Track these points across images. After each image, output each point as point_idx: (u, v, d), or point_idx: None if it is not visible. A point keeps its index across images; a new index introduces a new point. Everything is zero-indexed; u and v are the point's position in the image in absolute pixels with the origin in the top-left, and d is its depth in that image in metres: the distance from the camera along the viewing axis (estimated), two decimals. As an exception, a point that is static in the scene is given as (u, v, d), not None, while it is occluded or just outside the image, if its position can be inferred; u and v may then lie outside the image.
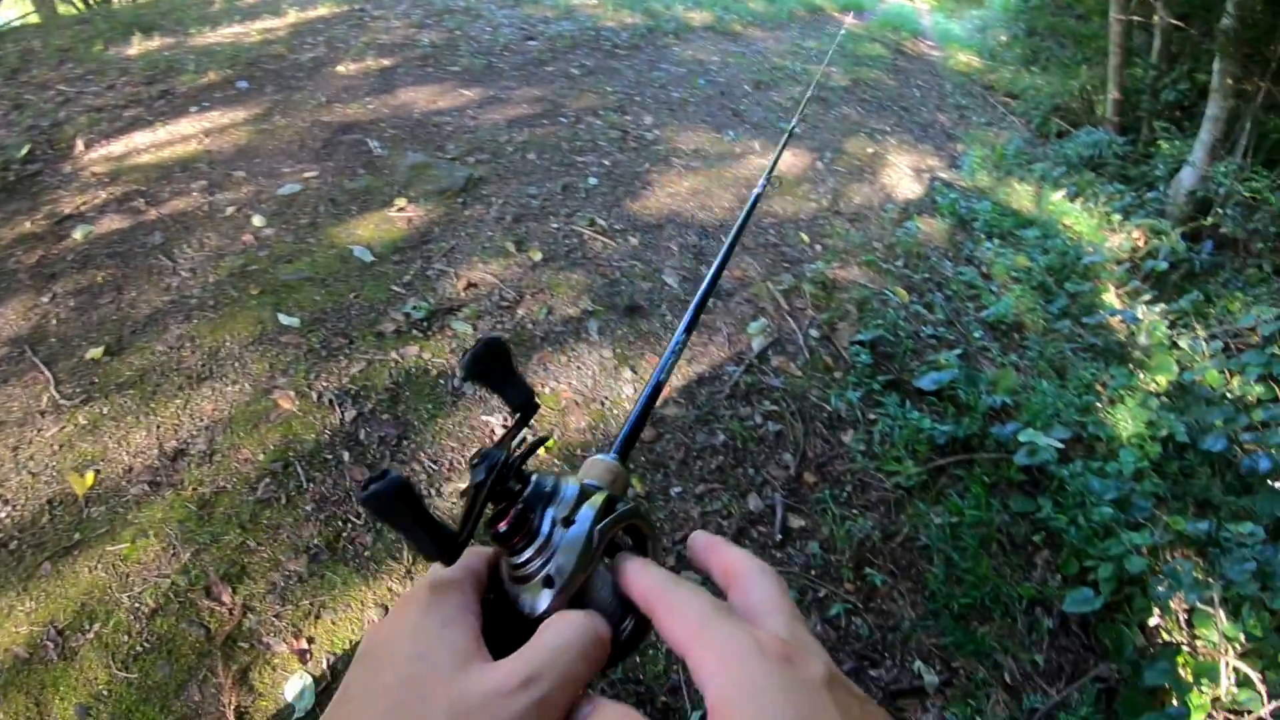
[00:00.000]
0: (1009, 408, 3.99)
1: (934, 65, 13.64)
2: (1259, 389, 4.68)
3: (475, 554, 0.58)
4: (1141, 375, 4.81)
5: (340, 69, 6.53)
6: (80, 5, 11.73)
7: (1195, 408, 4.47)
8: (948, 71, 13.34)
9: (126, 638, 2.47)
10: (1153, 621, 3.15)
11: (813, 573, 2.97)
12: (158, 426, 3.17)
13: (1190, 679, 2.83)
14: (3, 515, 2.87)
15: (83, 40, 7.15)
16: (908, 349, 4.29)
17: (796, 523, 3.16)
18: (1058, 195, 7.60)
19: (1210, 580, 3.18)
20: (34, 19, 10.95)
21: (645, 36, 9.20)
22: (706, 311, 4.16)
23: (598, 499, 0.58)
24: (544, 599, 0.54)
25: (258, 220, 4.43)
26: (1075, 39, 12.38)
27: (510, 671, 0.46)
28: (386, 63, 6.77)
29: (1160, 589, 3.07)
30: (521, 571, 0.55)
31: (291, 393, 3.31)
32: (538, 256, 4.33)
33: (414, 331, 3.68)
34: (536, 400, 0.63)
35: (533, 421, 2.91)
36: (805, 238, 5.22)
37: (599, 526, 0.56)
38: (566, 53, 7.84)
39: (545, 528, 0.56)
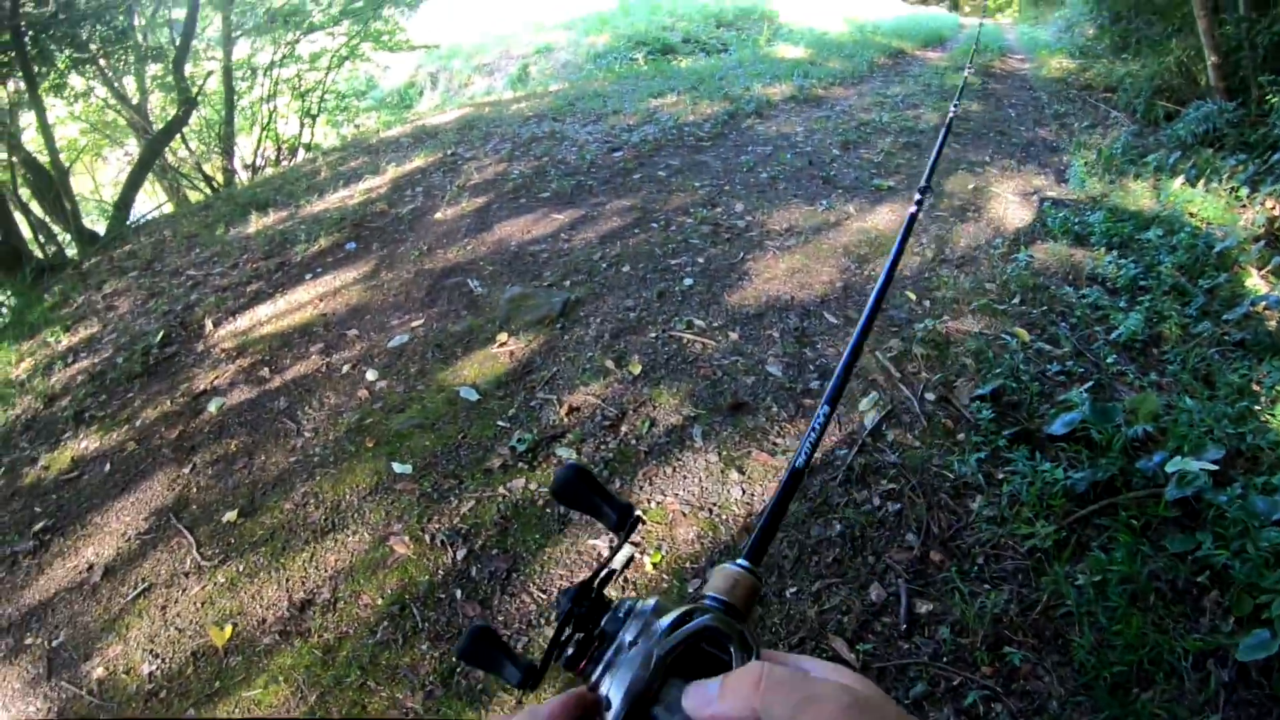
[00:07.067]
0: (1153, 435, 3.63)
1: (1026, 79, 13.47)
2: None
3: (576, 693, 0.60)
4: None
5: (438, 215, 6.78)
6: (206, 189, 12.57)
7: (1371, 379, 4.02)
8: (1041, 81, 13.10)
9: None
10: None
11: (944, 660, 2.80)
12: (287, 580, 3.36)
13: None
14: (154, 668, 3.11)
15: (207, 225, 7.68)
16: (1034, 393, 4.04)
17: (923, 608, 2.99)
18: (1177, 183, 7.10)
19: None
20: (169, 208, 11.85)
21: (727, 123, 9.27)
22: (812, 396, 4.09)
23: (668, 618, 0.60)
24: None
25: (371, 374, 4.61)
26: (1160, 13, 11.70)
27: None
28: (480, 201, 7.00)
29: (1355, 610, 2.65)
30: (595, 695, 0.59)
31: (406, 538, 3.41)
32: (637, 370, 4.34)
33: (520, 464, 3.73)
34: (638, 514, 0.66)
35: (638, 536, 2.89)
36: (912, 295, 5.07)
37: (658, 647, 0.58)
38: (651, 156, 7.95)
39: (610, 652, 0.60)
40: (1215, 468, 3.25)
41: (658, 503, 3.46)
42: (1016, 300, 5.00)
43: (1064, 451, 3.66)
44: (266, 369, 4.89)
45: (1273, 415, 3.82)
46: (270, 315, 5.58)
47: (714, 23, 19.41)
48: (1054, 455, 3.62)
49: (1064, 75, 13.48)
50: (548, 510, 3.46)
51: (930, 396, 4.08)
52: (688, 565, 3.17)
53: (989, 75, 13.41)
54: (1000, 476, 3.53)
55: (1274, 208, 6.61)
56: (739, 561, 0.68)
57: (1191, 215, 6.53)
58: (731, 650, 0.58)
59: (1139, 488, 3.37)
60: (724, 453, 3.72)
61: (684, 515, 3.39)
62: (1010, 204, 6.83)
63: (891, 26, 19.61)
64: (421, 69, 20.74)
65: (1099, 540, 3.19)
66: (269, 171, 12.29)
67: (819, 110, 10.08)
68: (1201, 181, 7.13)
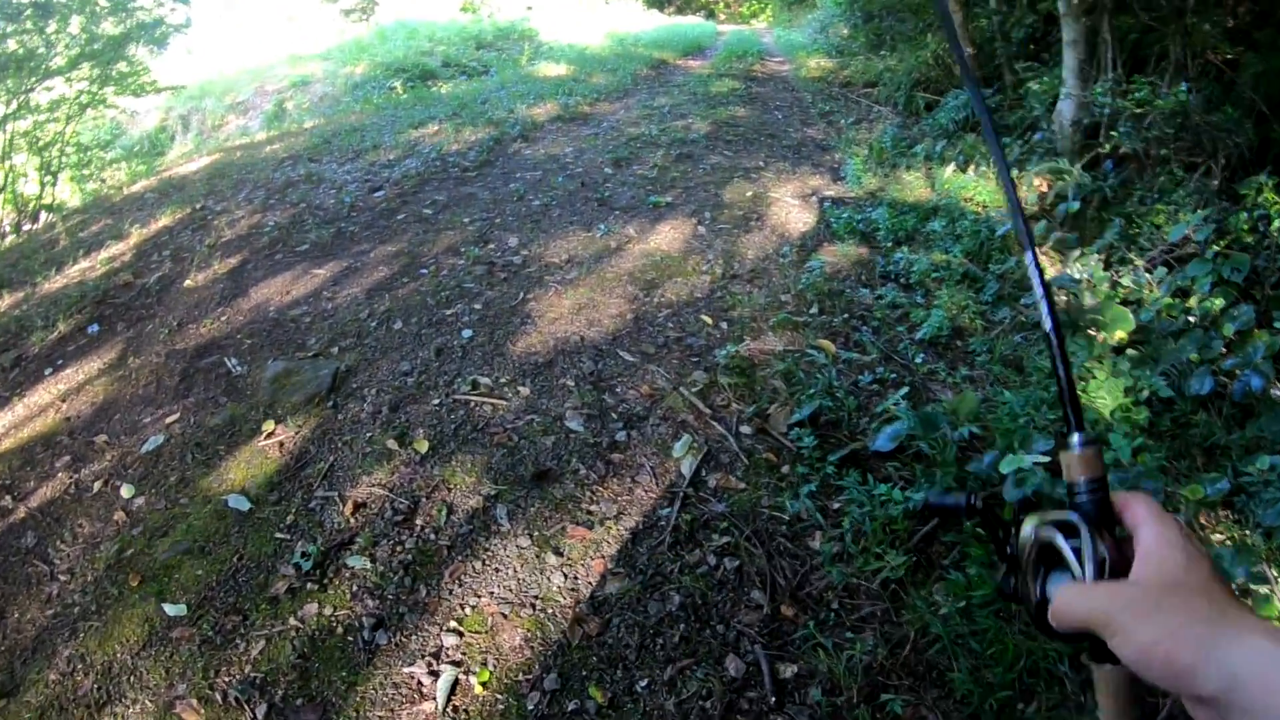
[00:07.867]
0: (978, 435, 3.55)
1: (788, 80, 13.84)
2: (1219, 300, 4.38)
3: None
4: (1100, 335, 4.39)
5: (189, 282, 6.13)
6: (-66, 277, 11.42)
7: (1165, 349, 4.13)
8: (802, 82, 13.44)
9: None
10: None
11: (822, 727, 2.55)
12: (64, 777, 2.75)
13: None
14: None
15: (-65, 317, 6.78)
16: (852, 408, 3.89)
17: (787, 671, 2.74)
18: (948, 170, 7.38)
19: (1247, 538, 2.93)
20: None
21: (493, 149, 8.99)
22: (619, 450, 3.80)
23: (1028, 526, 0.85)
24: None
25: (126, 490, 4.01)
26: (912, 10, 12.45)
27: None
28: (234, 261, 6.40)
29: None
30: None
31: (194, 700, 2.87)
32: (424, 447, 3.91)
33: (308, 585, 3.23)
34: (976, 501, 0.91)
35: (459, 654, 2.47)
36: (708, 319, 4.85)
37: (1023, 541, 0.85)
38: (415, 193, 7.56)
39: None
40: (1047, 459, 3.17)
41: (473, 607, 3.05)
42: (815, 309, 4.89)
43: (896, 469, 3.52)
44: (9, 497, 4.18)
45: (1085, 392, 3.82)
46: (8, 425, 4.83)
47: (474, 44, 19.20)
48: (886, 475, 3.48)
49: (824, 74, 13.90)
50: (349, 639, 2.99)
51: (746, 430, 3.85)
52: (521, 678, 2.78)
53: (751, 79, 13.68)
54: (836, 507, 3.33)
55: (1041, 185, 6.98)
56: (1073, 444, 0.82)
57: (967, 200, 6.78)
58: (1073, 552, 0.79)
59: (979, 492, 3.25)
60: (535, 533, 3.35)
61: (505, 618, 2.99)
62: (791, 208, 6.82)
63: (652, 38, 20.05)
64: (172, 112, 19.38)
65: (950, 558, 3.05)
66: (9, 240, 11.21)
67: (587, 128, 9.95)
68: (971, 166, 7.45)
